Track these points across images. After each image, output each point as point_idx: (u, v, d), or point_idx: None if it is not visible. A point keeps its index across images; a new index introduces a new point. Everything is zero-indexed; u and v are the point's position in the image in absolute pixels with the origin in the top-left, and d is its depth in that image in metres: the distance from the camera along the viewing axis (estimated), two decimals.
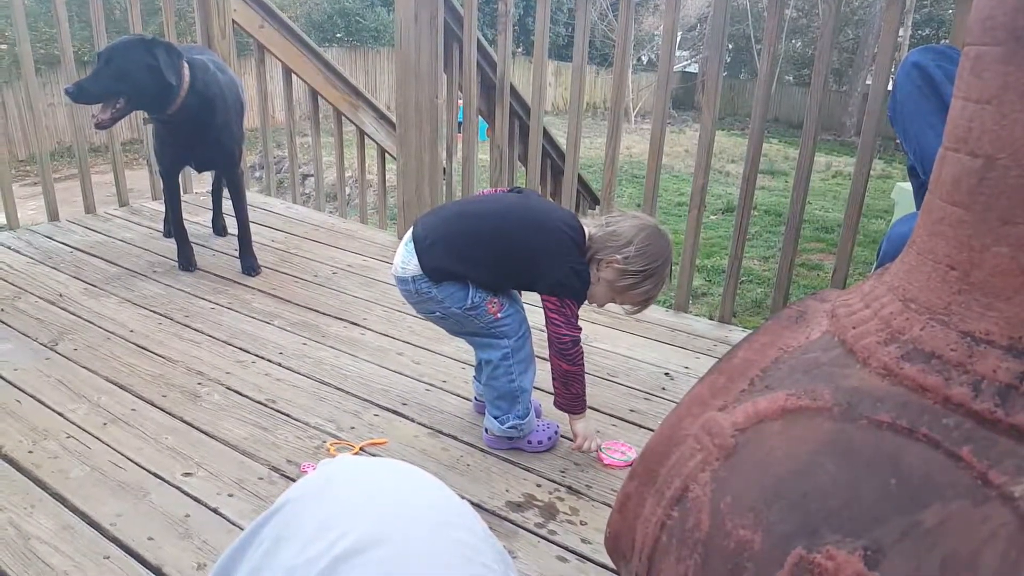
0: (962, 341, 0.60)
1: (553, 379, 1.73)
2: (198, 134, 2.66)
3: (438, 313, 1.72)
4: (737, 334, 2.52)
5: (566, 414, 1.77)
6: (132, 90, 2.45)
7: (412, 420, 1.93)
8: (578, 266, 1.66)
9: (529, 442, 1.80)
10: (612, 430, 1.91)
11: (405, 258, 1.69)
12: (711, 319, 2.72)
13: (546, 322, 1.67)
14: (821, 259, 7.17)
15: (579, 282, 1.67)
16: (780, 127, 16.44)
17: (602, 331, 2.48)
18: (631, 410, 2.01)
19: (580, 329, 1.68)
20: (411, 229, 1.72)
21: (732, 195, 9.09)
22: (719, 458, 0.71)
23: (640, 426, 1.93)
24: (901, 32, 13.43)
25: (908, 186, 1.85)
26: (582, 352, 1.70)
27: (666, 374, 2.22)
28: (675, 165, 11.74)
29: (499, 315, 1.70)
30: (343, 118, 3.70)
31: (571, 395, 1.72)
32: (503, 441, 1.80)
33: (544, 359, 2.16)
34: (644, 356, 2.33)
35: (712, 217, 8.68)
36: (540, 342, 1.77)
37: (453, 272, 1.66)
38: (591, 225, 1.71)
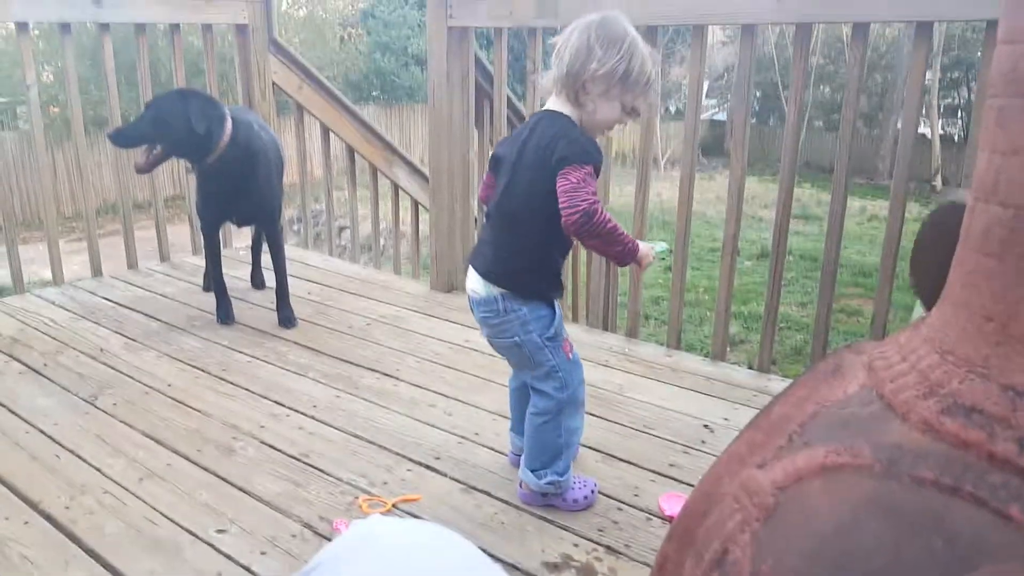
0: (1004, 395, 0.58)
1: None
2: (240, 187, 2.74)
3: (517, 338, 1.67)
4: (777, 383, 2.47)
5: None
6: (165, 136, 2.60)
7: (445, 475, 1.91)
8: (571, 133, 1.57)
9: (565, 499, 1.76)
10: (651, 486, 1.87)
11: (476, 283, 1.69)
12: (750, 367, 2.68)
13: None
14: (860, 304, 7.07)
15: (578, 145, 1.56)
16: (811, 171, 16.35)
17: (636, 380, 2.46)
18: (670, 464, 1.97)
19: (588, 200, 1.51)
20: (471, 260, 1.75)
21: (766, 240, 9.03)
22: (759, 518, 0.69)
23: (680, 481, 1.88)
24: (928, 75, 13.38)
25: None
26: (601, 219, 1.53)
27: (705, 426, 2.18)
28: (706, 211, 11.73)
29: (570, 356, 1.71)
30: (378, 172, 3.77)
31: (615, 254, 1.63)
32: (538, 497, 1.77)
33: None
34: (681, 407, 2.29)
35: (747, 263, 8.63)
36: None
37: (515, 264, 1.65)
38: (550, 83, 1.63)
